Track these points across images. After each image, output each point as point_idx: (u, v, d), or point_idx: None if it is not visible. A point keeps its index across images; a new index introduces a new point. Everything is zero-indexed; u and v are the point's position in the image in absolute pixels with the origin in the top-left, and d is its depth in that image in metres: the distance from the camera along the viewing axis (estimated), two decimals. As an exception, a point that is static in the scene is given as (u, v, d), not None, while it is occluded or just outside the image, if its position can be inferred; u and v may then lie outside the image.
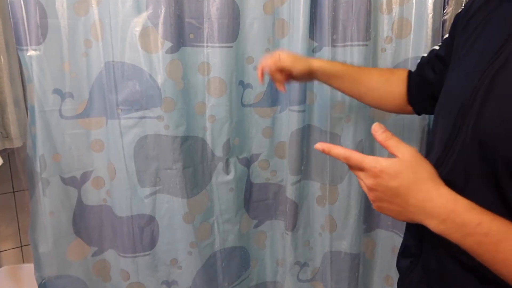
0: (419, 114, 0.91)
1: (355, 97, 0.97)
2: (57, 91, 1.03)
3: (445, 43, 0.77)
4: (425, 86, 0.84)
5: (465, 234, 0.48)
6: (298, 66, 0.92)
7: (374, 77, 0.93)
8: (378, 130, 0.54)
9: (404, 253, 0.75)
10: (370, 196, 0.55)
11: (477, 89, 0.53)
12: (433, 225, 0.50)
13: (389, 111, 0.99)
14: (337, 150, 0.56)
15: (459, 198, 0.49)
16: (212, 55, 1.09)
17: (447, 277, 0.59)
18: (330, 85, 0.97)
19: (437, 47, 0.82)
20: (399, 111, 0.93)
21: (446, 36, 0.77)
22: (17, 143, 1.04)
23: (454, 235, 0.49)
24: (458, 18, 0.70)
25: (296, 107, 1.17)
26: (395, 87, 0.90)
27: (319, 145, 0.58)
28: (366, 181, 0.54)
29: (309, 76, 0.95)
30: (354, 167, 0.55)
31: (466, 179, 0.53)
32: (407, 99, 0.89)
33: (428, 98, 0.82)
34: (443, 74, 0.72)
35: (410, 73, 0.89)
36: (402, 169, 0.51)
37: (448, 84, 0.65)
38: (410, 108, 0.90)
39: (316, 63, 0.93)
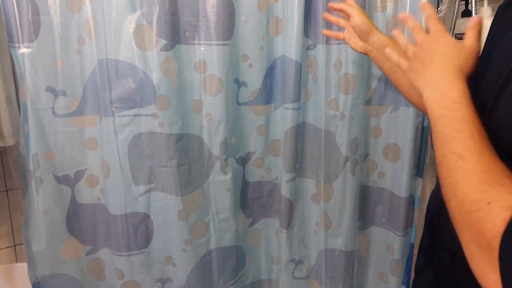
0: None
1: (401, 90, 0.92)
2: (50, 89, 1.02)
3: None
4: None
5: (441, 104, 0.53)
6: (359, 22, 0.90)
7: None
8: (474, 20, 0.61)
9: (420, 252, 0.75)
10: (414, 54, 0.63)
11: (494, 86, 0.55)
12: (427, 89, 0.57)
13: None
14: (411, 20, 0.66)
15: (462, 84, 0.54)
16: (208, 53, 1.09)
17: (459, 280, 0.59)
18: (380, 66, 0.93)
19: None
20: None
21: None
22: (9, 142, 1.03)
23: (433, 102, 0.54)
24: (498, 11, 0.68)
25: (290, 105, 1.17)
26: None
27: (402, 14, 0.68)
28: (422, 40, 0.62)
29: (366, 37, 0.91)
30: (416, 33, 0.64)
31: None
32: None
33: None
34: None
35: None
36: (450, 46, 0.59)
37: (475, 79, 0.65)
38: None
39: (381, 34, 0.90)
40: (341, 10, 0.92)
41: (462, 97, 0.53)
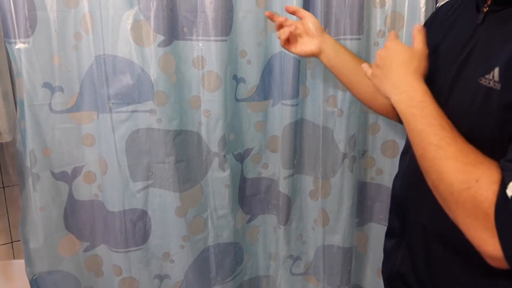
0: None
1: (349, 86, 0.99)
2: (46, 85, 1.02)
3: None
4: None
5: (409, 105, 0.60)
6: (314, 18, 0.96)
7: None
8: (418, 27, 0.70)
9: (388, 233, 0.82)
10: (375, 62, 0.72)
11: (446, 79, 0.64)
12: (394, 93, 0.64)
13: (376, 111, 1.01)
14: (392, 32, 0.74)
15: (423, 84, 0.62)
16: (206, 49, 1.08)
17: (431, 255, 0.66)
18: (332, 65, 0.97)
19: None
20: (385, 114, 0.97)
21: None
22: (6, 138, 1.03)
23: (403, 104, 0.62)
24: (425, 26, 0.77)
25: (288, 101, 1.17)
26: None
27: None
28: (381, 51, 0.71)
29: (318, 36, 0.96)
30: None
31: None
32: None
33: None
34: None
35: None
36: (404, 53, 0.67)
37: (429, 75, 0.72)
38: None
39: (330, 40, 0.96)
40: (294, 12, 0.98)
41: (425, 95, 0.60)
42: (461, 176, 0.50)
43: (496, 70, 0.52)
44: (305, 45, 0.96)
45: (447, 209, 0.53)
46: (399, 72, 0.66)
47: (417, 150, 0.58)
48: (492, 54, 0.56)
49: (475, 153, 0.52)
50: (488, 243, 0.47)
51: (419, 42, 0.68)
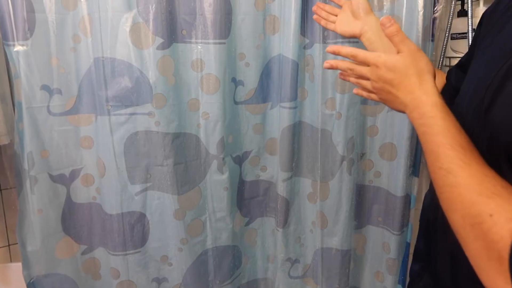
0: None
1: None
2: (45, 87, 1.02)
3: (472, 45, 0.72)
4: (452, 90, 0.78)
5: (420, 124, 0.54)
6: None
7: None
8: (386, 23, 0.59)
9: (415, 257, 0.75)
10: (374, 88, 0.63)
11: (491, 85, 0.54)
12: (407, 113, 0.57)
13: None
14: (345, 49, 0.64)
15: (433, 94, 0.55)
16: (205, 52, 1.08)
17: (459, 283, 0.59)
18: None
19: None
20: None
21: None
22: (3, 140, 1.02)
23: (414, 122, 0.55)
24: (483, 16, 0.68)
25: (287, 104, 1.17)
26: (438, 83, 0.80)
27: (327, 64, 0.68)
28: (372, 74, 0.62)
29: (359, 28, 0.82)
30: (360, 63, 0.63)
31: None
32: None
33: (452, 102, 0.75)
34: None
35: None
36: (398, 64, 0.58)
37: (468, 78, 0.64)
38: None
39: (375, 24, 0.82)
40: None
41: (434, 110, 0.53)
42: (473, 209, 0.43)
43: None
44: (347, 25, 0.85)
45: (460, 241, 0.46)
46: (404, 90, 0.58)
47: (431, 173, 0.51)
48: None
49: (491, 180, 0.45)
50: None
51: (406, 44, 0.58)
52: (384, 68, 0.59)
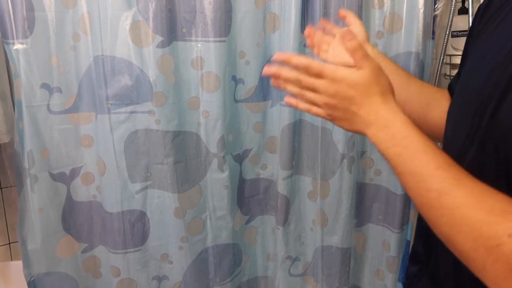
0: None
1: (400, 101, 0.76)
2: (45, 86, 1.01)
3: (466, 44, 0.69)
4: None
5: (392, 144, 0.50)
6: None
7: (425, 84, 0.80)
8: (346, 37, 0.55)
9: (412, 258, 0.73)
10: (326, 104, 0.56)
11: (495, 86, 0.50)
12: (371, 133, 0.53)
13: (428, 132, 0.82)
14: (297, 58, 0.57)
15: (399, 113, 0.52)
16: (205, 50, 1.08)
17: (461, 286, 0.57)
18: None
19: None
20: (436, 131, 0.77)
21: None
22: (4, 139, 1.02)
23: (383, 144, 0.51)
24: (478, 12, 0.64)
25: (287, 102, 1.17)
26: (444, 99, 0.75)
27: (266, 70, 0.60)
28: (326, 89, 0.55)
29: None
30: (313, 75, 0.56)
31: (481, 177, 0.49)
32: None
33: None
34: None
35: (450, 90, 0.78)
36: (360, 81, 0.53)
37: (465, 76, 0.61)
38: None
39: (371, 49, 0.76)
40: (344, 17, 0.78)
41: (408, 128, 0.51)
42: (487, 230, 0.40)
43: None
44: (340, 56, 0.78)
45: (471, 267, 0.43)
46: (368, 107, 0.53)
47: (415, 197, 0.48)
48: None
49: (494, 196, 0.42)
50: None
51: (363, 62, 0.54)
52: (344, 84, 0.54)
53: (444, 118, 0.69)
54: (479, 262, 0.41)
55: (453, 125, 0.60)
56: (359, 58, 0.54)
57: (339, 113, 0.56)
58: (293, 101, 0.61)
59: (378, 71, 0.55)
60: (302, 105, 0.60)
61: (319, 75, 0.56)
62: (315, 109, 0.59)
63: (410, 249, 0.74)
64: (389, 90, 0.55)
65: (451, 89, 0.73)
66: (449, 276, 0.58)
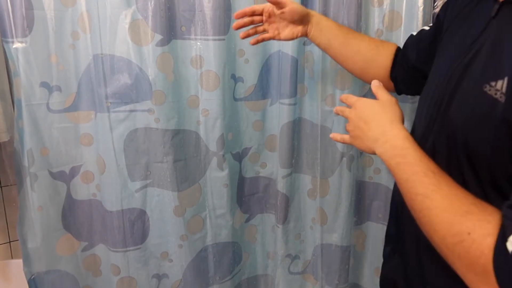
0: (399, 93, 0.92)
1: (339, 60, 0.95)
2: (44, 84, 1.01)
3: (434, 27, 0.79)
4: (407, 67, 0.86)
5: (393, 155, 0.59)
6: (297, 6, 0.89)
7: (365, 42, 0.93)
8: (375, 84, 0.71)
9: (386, 238, 0.81)
10: (349, 126, 0.71)
11: (449, 81, 0.59)
12: (377, 146, 0.63)
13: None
14: (347, 95, 0.74)
15: (403, 130, 0.61)
16: (204, 48, 1.08)
17: (422, 265, 0.65)
18: (318, 42, 0.94)
19: (427, 28, 0.83)
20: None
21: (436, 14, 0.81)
22: (3, 137, 1.02)
23: (387, 155, 0.60)
24: (448, 3, 0.73)
25: (287, 100, 1.17)
26: (382, 57, 0.91)
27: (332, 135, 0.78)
28: (350, 114, 0.70)
29: (302, 20, 0.91)
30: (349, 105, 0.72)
31: (438, 164, 0.57)
32: (389, 73, 0.90)
33: (408, 78, 0.86)
34: (426, 59, 0.78)
35: (398, 49, 0.91)
36: (374, 106, 0.67)
37: (432, 71, 0.69)
38: (391, 84, 0.92)
39: (314, 13, 0.93)
40: (275, 2, 0.90)
41: (407, 142, 0.58)
42: (452, 229, 0.47)
43: (505, 81, 0.47)
44: (288, 31, 0.92)
45: (446, 259, 0.50)
46: (377, 124, 0.65)
47: (407, 200, 0.55)
48: (501, 56, 0.50)
49: (461, 199, 0.49)
50: None
51: (383, 95, 0.69)
52: (361, 107, 0.68)
53: (382, 74, 0.91)
54: (450, 257, 0.48)
55: (420, 114, 0.70)
56: (378, 94, 0.69)
57: (357, 132, 0.68)
58: (337, 136, 0.77)
59: (392, 103, 0.67)
60: (338, 137, 0.76)
61: (349, 105, 0.72)
62: (345, 137, 0.73)
63: (385, 231, 0.83)
64: (399, 118, 0.65)
65: (406, 48, 0.87)
66: (413, 253, 0.67)
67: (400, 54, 0.89)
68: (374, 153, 0.65)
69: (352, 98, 0.71)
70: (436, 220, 0.49)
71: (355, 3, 1.11)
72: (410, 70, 0.85)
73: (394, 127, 0.62)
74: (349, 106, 0.72)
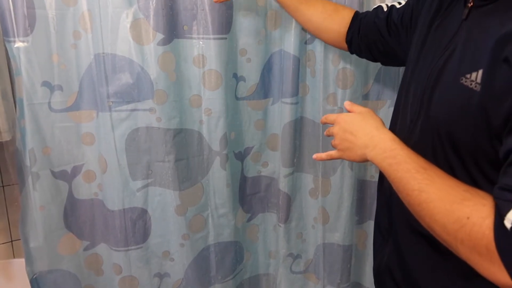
0: (351, 53, 1.03)
1: (297, 20, 1.06)
2: (46, 84, 1.01)
3: (406, 10, 0.86)
4: (366, 40, 0.94)
5: (384, 157, 0.63)
6: None
7: (318, 10, 1.01)
8: (347, 103, 0.78)
9: (376, 228, 0.84)
10: (336, 140, 0.75)
11: (429, 79, 0.64)
12: (368, 152, 0.67)
13: (326, 42, 1.09)
14: (326, 115, 0.79)
15: (389, 133, 0.66)
16: (207, 47, 1.08)
17: (417, 252, 0.68)
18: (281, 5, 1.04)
19: (397, 5, 0.89)
20: (334, 44, 1.06)
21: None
22: (5, 137, 1.02)
23: (378, 158, 0.64)
24: None
25: (288, 99, 1.17)
26: (336, 25, 1.00)
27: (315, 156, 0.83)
28: (334, 130, 0.75)
29: None
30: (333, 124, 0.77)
31: (426, 157, 0.61)
32: (345, 38, 0.99)
33: (368, 44, 0.95)
34: (395, 36, 0.88)
35: (356, 15, 0.98)
36: (356, 118, 0.72)
37: (413, 67, 0.73)
38: (345, 45, 1.01)
39: None
40: None
41: (395, 143, 0.63)
42: (451, 216, 0.51)
43: (480, 72, 0.52)
44: None
45: (451, 248, 0.53)
46: (363, 133, 0.69)
47: (403, 197, 0.59)
48: (474, 53, 0.55)
49: (455, 188, 0.53)
50: (499, 276, 0.47)
51: (359, 108, 0.75)
52: (344, 121, 0.73)
53: (336, 37, 1.01)
54: (453, 244, 0.51)
55: (402, 110, 0.75)
56: (355, 109, 0.75)
57: (345, 145, 0.72)
58: (320, 156, 0.82)
59: (370, 113, 0.73)
60: (323, 156, 0.81)
61: (332, 123, 0.77)
62: (333, 153, 0.78)
63: (374, 220, 0.87)
64: (381, 123, 0.70)
65: (370, 21, 0.94)
66: (406, 238, 0.70)
67: (362, 20, 0.96)
68: (366, 161, 0.69)
69: (332, 116, 0.76)
70: (435, 211, 0.52)
71: (357, 2, 1.11)
72: (376, 40, 0.93)
73: (381, 131, 0.67)
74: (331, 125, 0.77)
